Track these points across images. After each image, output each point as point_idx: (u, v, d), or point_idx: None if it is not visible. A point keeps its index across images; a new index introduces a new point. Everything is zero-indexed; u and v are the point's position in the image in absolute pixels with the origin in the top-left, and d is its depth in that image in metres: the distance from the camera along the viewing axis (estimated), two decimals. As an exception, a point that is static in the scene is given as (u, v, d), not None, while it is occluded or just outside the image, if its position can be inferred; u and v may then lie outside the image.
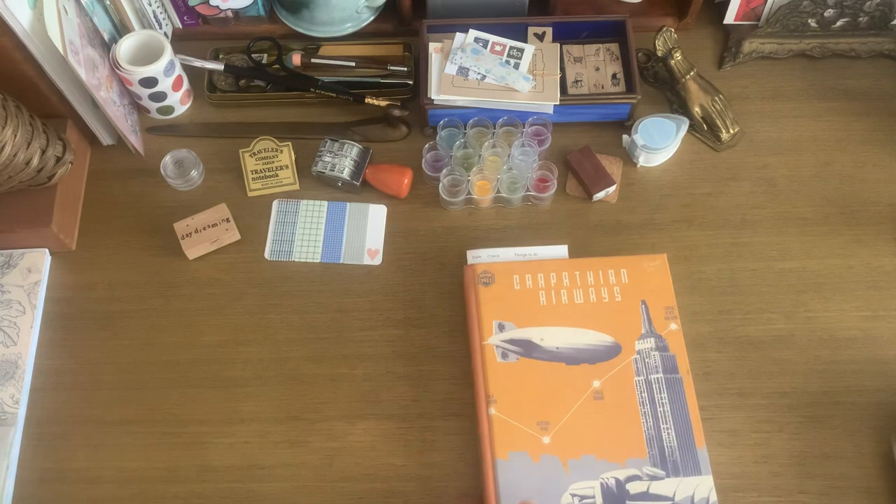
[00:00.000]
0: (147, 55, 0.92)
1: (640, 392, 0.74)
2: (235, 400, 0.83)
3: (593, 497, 0.70)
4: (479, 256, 0.84)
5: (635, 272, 0.80)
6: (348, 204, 0.94)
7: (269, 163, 0.94)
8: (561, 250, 0.85)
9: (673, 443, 0.72)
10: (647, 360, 0.76)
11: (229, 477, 0.80)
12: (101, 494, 0.80)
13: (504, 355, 0.76)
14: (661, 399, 0.74)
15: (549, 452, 0.72)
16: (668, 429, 0.73)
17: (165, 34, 1.00)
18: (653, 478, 0.71)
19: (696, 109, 0.96)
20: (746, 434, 0.80)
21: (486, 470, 0.72)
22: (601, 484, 0.70)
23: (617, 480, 0.71)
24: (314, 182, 0.95)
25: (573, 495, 0.70)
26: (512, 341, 0.76)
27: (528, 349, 0.76)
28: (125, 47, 0.91)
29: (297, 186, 0.95)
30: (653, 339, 0.77)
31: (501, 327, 0.77)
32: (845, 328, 0.85)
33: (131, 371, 0.85)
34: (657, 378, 0.75)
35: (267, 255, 0.91)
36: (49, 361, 0.86)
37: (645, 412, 0.74)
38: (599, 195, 0.92)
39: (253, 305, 0.88)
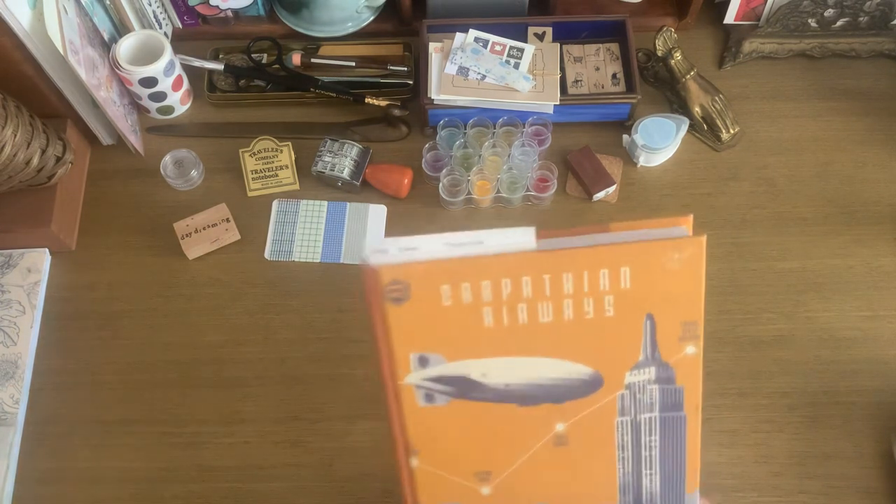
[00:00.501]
0: (147, 55, 0.92)
1: (622, 435, 0.54)
2: (235, 400, 0.83)
3: None
4: (384, 251, 0.50)
5: (645, 271, 0.49)
6: (348, 204, 0.94)
7: (268, 163, 0.94)
8: (524, 237, 0.49)
9: (655, 488, 0.55)
10: (639, 395, 0.54)
11: (229, 477, 0.80)
12: (100, 494, 0.80)
13: (429, 398, 0.53)
14: (651, 442, 0.55)
15: None
16: (651, 474, 0.56)
17: (165, 34, 1.00)
18: None
19: (697, 109, 0.96)
20: (746, 434, 0.80)
21: None
22: None
23: None
24: (314, 182, 0.95)
25: None
26: (440, 379, 0.53)
27: (463, 389, 0.53)
28: (125, 47, 0.91)
29: (297, 186, 0.95)
30: (653, 369, 0.54)
31: (424, 362, 0.52)
32: (845, 328, 0.85)
33: (131, 371, 0.85)
34: (649, 418, 0.55)
35: (267, 255, 0.91)
36: (49, 361, 0.86)
37: (623, 457, 0.55)
38: (599, 195, 0.92)
39: (253, 305, 0.88)
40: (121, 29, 0.95)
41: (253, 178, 0.94)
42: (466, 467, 0.54)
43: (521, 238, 0.48)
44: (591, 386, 0.52)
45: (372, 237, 0.91)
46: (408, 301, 0.49)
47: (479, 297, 0.48)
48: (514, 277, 0.48)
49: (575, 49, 0.97)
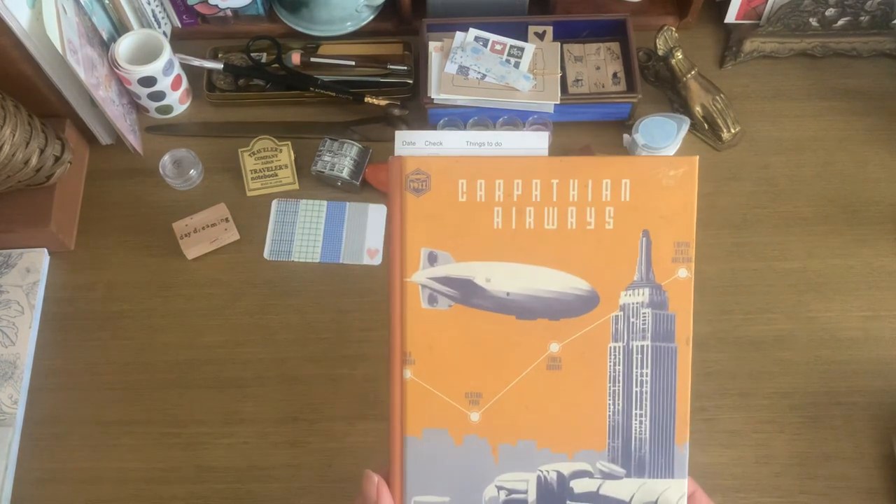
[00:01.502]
0: (146, 54, 0.92)
1: (614, 364, 0.54)
2: (235, 400, 0.83)
3: (525, 492, 0.55)
4: (412, 143, 0.54)
5: (644, 185, 0.53)
6: (348, 204, 0.93)
7: (268, 162, 0.94)
8: (539, 142, 0.55)
9: (644, 434, 0.55)
10: (632, 319, 0.54)
11: (229, 478, 0.80)
12: (99, 495, 0.79)
13: (432, 300, 0.54)
14: (642, 376, 0.55)
15: (477, 433, 0.55)
16: (641, 416, 0.55)
17: (164, 33, 1.00)
18: (607, 476, 0.55)
19: (697, 109, 0.96)
20: (747, 434, 0.80)
21: (393, 449, 0.56)
22: (538, 477, 0.55)
23: (559, 475, 0.55)
24: (313, 182, 0.94)
25: (500, 488, 0.55)
26: (445, 280, 0.55)
27: (466, 293, 0.54)
28: (124, 46, 0.91)
29: (296, 186, 0.94)
30: (647, 291, 0.55)
31: (433, 259, 0.54)
32: (847, 328, 0.85)
33: (130, 371, 0.85)
34: (641, 346, 0.55)
35: (266, 255, 0.91)
36: (48, 361, 0.86)
37: (614, 391, 0.55)
38: (600, 195, 0.92)
39: (252, 305, 0.88)
40: (120, 28, 0.95)
41: (252, 178, 0.94)
42: (458, 385, 0.55)
43: (536, 143, 0.54)
44: (587, 303, 0.54)
45: (371, 237, 0.91)
46: (427, 192, 0.53)
47: (491, 196, 0.53)
48: (526, 179, 0.52)
49: (575, 48, 0.97)
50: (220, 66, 0.99)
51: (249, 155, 0.94)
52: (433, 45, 0.94)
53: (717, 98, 0.96)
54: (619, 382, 0.55)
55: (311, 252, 0.91)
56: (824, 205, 0.92)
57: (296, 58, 0.99)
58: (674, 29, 0.96)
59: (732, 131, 0.96)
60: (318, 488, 0.79)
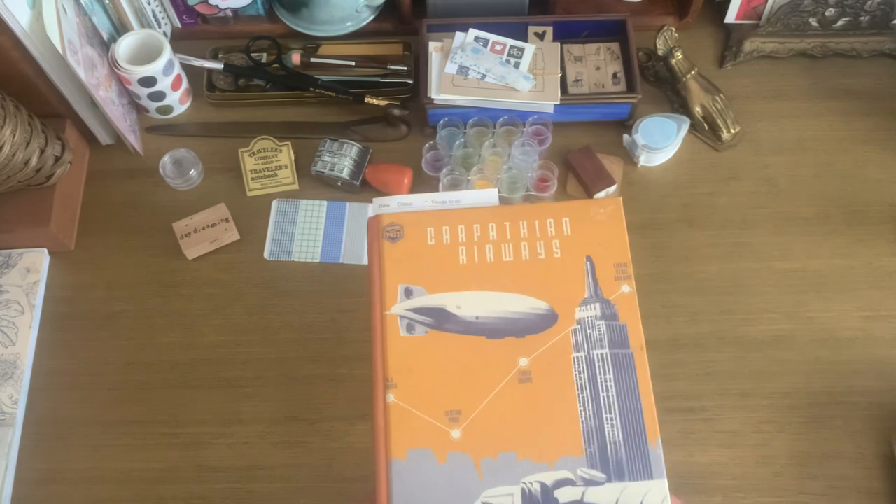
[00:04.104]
0: (146, 54, 0.92)
1: (579, 372, 0.59)
2: (235, 400, 0.83)
3: None
4: (386, 206, 0.65)
5: (581, 221, 0.63)
6: (348, 204, 0.93)
7: (268, 162, 0.94)
8: (490, 196, 0.66)
9: (618, 437, 0.58)
10: (589, 331, 0.60)
11: (229, 477, 0.80)
12: (100, 495, 0.79)
13: (410, 328, 0.61)
14: (606, 381, 0.59)
15: (459, 450, 0.58)
16: (612, 419, 0.59)
17: (164, 33, 1.00)
18: (589, 482, 0.57)
19: (697, 109, 0.96)
20: (747, 434, 0.80)
21: (379, 473, 0.58)
22: (522, 490, 0.57)
23: (542, 485, 0.57)
24: (314, 182, 0.95)
25: None
26: (420, 310, 0.61)
27: (440, 319, 0.61)
28: (124, 46, 0.91)
29: (296, 186, 0.94)
30: (598, 305, 0.61)
31: (409, 293, 0.62)
32: (846, 328, 0.85)
33: (130, 371, 0.85)
34: (601, 354, 0.60)
35: (266, 255, 0.91)
36: (48, 362, 0.86)
37: (583, 398, 0.58)
38: (600, 195, 0.92)
39: (252, 305, 0.88)
40: (120, 28, 0.95)
41: (252, 178, 0.94)
42: (438, 404, 0.59)
43: (489, 198, 0.66)
44: (547, 320, 0.61)
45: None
46: (401, 240, 0.63)
47: (456, 238, 0.63)
48: (483, 223, 0.63)
49: (575, 48, 0.97)
50: (220, 66, 0.99)
51: (249, 155, 0.94)
52: (433, 46, 0.94)
53: (717, 98, 0.96)
54: (586, 389, 0.59)
55: (311, 252, 0.91)
56: (824, 205, 0.92)
57: (296, 58, 0.99)
58: (674, 29, 0.96)
59: (732, 131, 0.96)
60: (318, 488, 0.79)
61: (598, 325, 0.61)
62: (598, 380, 0.59)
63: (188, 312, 0.88)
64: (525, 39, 0.95)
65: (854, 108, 0.98)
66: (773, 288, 0.87)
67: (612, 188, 0.92)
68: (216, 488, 0.79)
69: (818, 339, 0.85)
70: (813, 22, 0.99)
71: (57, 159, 0.87)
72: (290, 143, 0.95)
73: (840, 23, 0.99)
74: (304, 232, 0.92)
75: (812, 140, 0.96)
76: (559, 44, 0.96)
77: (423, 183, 0.94)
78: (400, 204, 0.64)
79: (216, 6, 1.00)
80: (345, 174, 0.91)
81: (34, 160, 0.83)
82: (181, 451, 0.81)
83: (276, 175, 0.94)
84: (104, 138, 0.97)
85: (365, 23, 1.02)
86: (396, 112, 0.95)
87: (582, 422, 0.58)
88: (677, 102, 0.99)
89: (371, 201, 0.66)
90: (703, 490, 0.78)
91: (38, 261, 0.90)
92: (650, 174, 0.95)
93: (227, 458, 0.81)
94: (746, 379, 0.83)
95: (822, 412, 0.81)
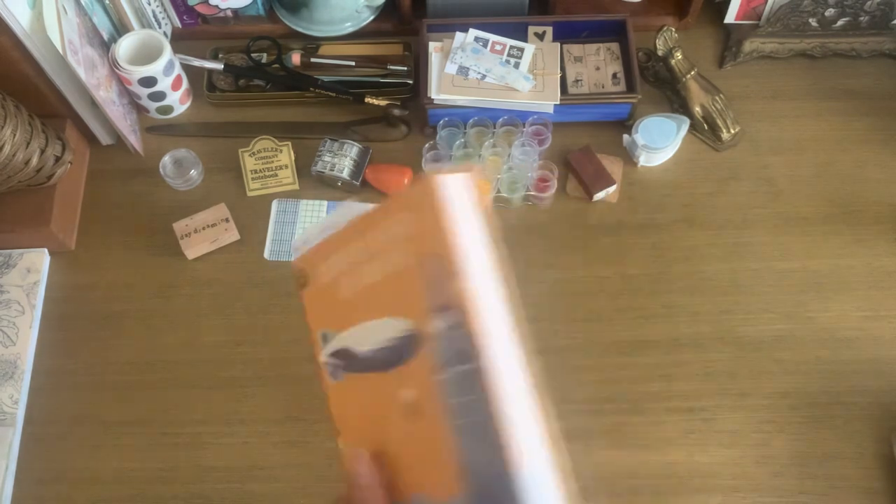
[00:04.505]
0: (146, 55, 0.92)
1: (448, 397, 0.50)
2: (235, 400, 0.83)
3: None
4: (298, 249, 0.59)
5: (411, 213, 0.51)
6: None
7: (268, 162, 0.94)
8: (362, 207, 0.56)
9: (487, 468, 0.49)
10: (444, 345, 0.50)
11: (229, 477, 0.80)
12: (100, 495, 0.79)
13: (334, 374, 0.56)
14: (472, 403, 0.49)
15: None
16: (474, 447, 0.49)
17: (165, 33, 1.00)
18: None
19: (697, 109, 0.96)
20: (747, 434, 0.80)
21: None
22: None
23: None
24: (314, 182, 0.95)
25: None
26: (334, 353, 0.56)
27: (348, 360, 0.55)
28: (124, 47, 0.91)
29: (296, 186, 0.94)
30: (444, 313, 0.50)
31: (326, 338, 0.56)
32: (846, 328, 0.85)
33: (130, 371, 0.85)
34: (462, 371, 0.49)
35: (266, 255, 0.91)
36: (48, 361, 0.86)
37: (458, 426, 0.49)
38: (600, 195, 0.92)
39: (252, 305, 0.88)
40: (120, 28, 0.95)
41: (252, 178, 0.94)
42: (369, 447, 0.53)
43: (358, 208, 0.57)
44: (412, 341, 0.51)
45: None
46: (308, 286, 0.57)
47: (337, 270, 0.55)
48: (353, 244, 0.54)
49: (575, 48, 0.97)
50: (220, 66, 0.99)
51: (250, 155, 0.94)
52: (433, 46, 0.94)
53: (717, 98, 0.96)
54: (457, 416, 0.49)
55: (312, 252, 0.91)
56: (824, 205, 0.92)
57: (296, 58, 0.99)
58: (673, 29, 0.96)
59: (732, 131, 0.96)
60: (317, 488, 0.79)
61: (450, 336, 0.50)
62: (467, 402, 0.49)
63: (188, 312, 0.88)
64: (525, 39, 0.95)
65: (854, 108, 0.98)
66: (773, 288, 0.87)
67: (612, 188, 0.92)
68: (216, 488, 0.79)
69: (818, 338, 0.85)
70: (812, 22, 0.99)
71: (57, 159, 0.87)
72: (290, 143, 0.95)
73: (840, 23, 0.99)
74: (304, 232, 0.92)
75: (812, 140, 0.96)
76: (559, 44, 0.96)
77: (423, 183, 0.94)
78: (304, 242, 0.57)
79: (216, 6, 1.00)
80: (345, 174, 0.91)
81: (34, 160, 0.83)
82: (181, 451, 0.81)
83: (276, 175, 0.94)
84: (104, 138, 0.97)
85: (365, 23, 1.03)
86: (396, 112, 0.95)
87: (457, 453, 0.49)
88: (677, 102, 0.99)
89: (371, 202, 0.61)
90: (703, 490, 0.78)
91: (39, 261, 0.90)
92: (650, 174, 0.95)
93: (227, 458, 0.81)
94: (746, 379, 0.83)
95: (822, 412, 0.81)
